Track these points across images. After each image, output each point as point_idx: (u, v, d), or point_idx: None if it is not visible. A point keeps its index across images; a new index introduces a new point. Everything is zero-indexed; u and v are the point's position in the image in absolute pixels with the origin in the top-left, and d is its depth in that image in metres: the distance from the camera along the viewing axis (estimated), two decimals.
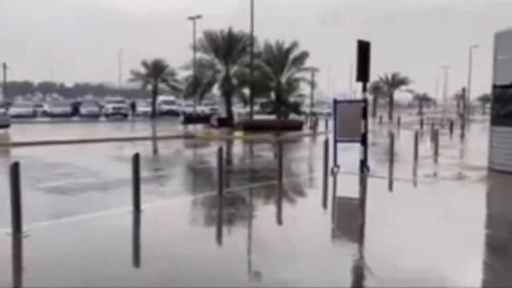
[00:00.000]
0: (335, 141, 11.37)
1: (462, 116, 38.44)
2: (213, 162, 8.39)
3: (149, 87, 46.69)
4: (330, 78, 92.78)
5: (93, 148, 18.19)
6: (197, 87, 31.64)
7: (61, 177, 11.00)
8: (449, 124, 30.70)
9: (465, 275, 4.78)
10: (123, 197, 7.88)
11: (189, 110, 40.75)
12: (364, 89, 11.26)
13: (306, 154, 18.13)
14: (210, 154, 14.72)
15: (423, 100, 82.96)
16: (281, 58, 30.30)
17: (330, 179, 10.23)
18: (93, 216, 6.90)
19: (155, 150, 19.34)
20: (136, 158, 7.06)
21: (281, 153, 9.62)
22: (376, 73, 56.15)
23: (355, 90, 59.28)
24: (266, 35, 30.81)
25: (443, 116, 52.99)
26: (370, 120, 38.61)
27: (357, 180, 10.37)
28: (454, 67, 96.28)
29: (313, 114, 33.33)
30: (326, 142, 10.77)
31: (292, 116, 30.93)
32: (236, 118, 31.65)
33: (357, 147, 11.18)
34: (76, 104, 47.90)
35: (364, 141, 11.02)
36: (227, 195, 8.35)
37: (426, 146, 17.98)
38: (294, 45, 30.22)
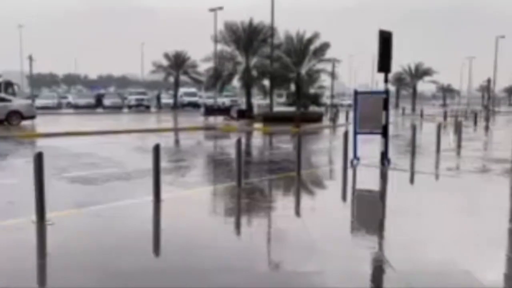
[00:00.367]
0: (355, 133, 11.26)
1: (487, 107, 37.56)
2: (233, 153, 8.44)
3: (171, 79, 47.04)
4: (351, 69, 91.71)
5: (116, 139, 18.48)
6: (217, 79, 31.73)
7: (84, 167, 11.23)
8: (473, 116, 30.04)
9: (488, 270, 4.69)
10: (144, 187, 8.00)
11: (210, 102, 40.94)
12: (386, 80, 11.09)
13: (326, 146, 18.02)
14: (229, 145, 14.79)
15: (447, 92, 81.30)
16: (302, 49, 30.03)
17: (350, 172, 10.15)
18: (115, 205, 7.04)
19: (176, 141, 19.54)
20: (156, 149, 7.15)
21: (300, 145, 9.59)
22: (399, 63, 55.24)
23: (377, 81, 58.40)
24: (286, 26, 30.63)
25: (467, 107, 51.83)
26: (392, 111, 38.14)
27: (377, 173, 10.27)
28: (479, 57, 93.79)
29: (333, 105, 33.04)
30: (346, 134, 10.68)
31: (312, 108, 30.72)
32: (256, 110, 31.64)
33: (378, 139, 11.06)
34: (99, 95, 48.64)
35: (385, 133, 10.88)
36: (246, 186, 8.40)
37: (449, 139, 17.65)
38: (315, 36, 29.91)
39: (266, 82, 30.68)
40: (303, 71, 30.37)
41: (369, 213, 7.32)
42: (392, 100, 53.65)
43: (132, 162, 12.22)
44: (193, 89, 52.69)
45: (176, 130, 23.96)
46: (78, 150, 14.41)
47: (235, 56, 31.24)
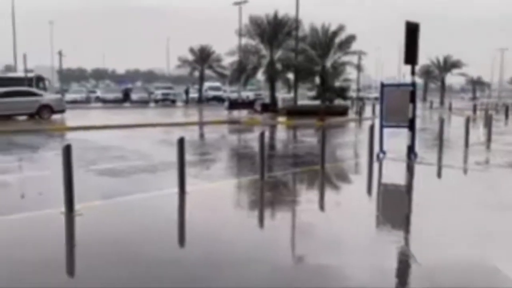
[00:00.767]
0: (382, 126, 11.11)
1: None
2: (256, 146, 8.46)
3: (196, 73, 47.34)
4: (378, 62, 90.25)
5: (143, 132, 18.78)
6: (242, 72, 31.75)
7: (112, 159, 11.46)
8: (504, 109, 29.14)
9: None
10: (169, 179, 8.09)
11: (234, 95, 41.03)
12: (413, 72, 10.87)
13: (351, 140, 17.84)
14: (253, 139, 14.81)
15: (477, 84, 78.99)
16: (327, 42, 29.73)
17: (375, 166, 10.03)
18: (141, 197, 7.17)
19: (200, 135, 19.71)
20: (181, 142, 7.23)
21: (324, 138, 9.52)
22: (427, 56, 53.98)
23: (404, 74, 57.32)
24: (311, 19, 30.37)
25: (498, 101, 50.29)
26: (419, 105, 37.33)
27: (403, 167, 10.11)
28: (511, 49, 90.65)
29: (359, 98, 32.66)
30: (372, 127, 10.54)
31: (338, 101, 30.43)
32: (280, 103, 31.56)
33: (404, 132, 10.87)
34: (127, 90, 49.36)
35: (412, 127, 10.69)
36: (269, 180, 8.41)
37: (478, 133, 17.19)
38: (341, 28, 29.57)
39: (291, 76, 30.55)
40: (328, 64, 30.09)
41: (395, 207, 7.22)
42: (419, 93, 52.59)
43: (157, 155, 12.39)
44: (217, 83, 52.90)
45: (200, 123, 24.15)
46: (106, 143, 14.71)
47: (260, 50, 31.19)
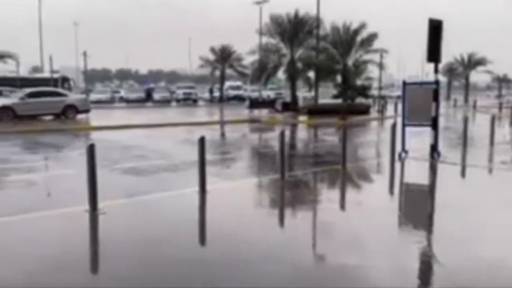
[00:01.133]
0: (404, 125, 10.96)
1: None
2: (277, 146, 8.46)
3: (217, 72, 47.61)
4: (400, 60, 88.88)
5: (165, 132, 19.00)
6: (262, 71, 31.76)
7: (134, 158, 11.64)
8: None
9: None
10: (190, 178, 8.17)
11: (255, 95, 41.09)
12: (436, 70, 10.70)
13: (373, 139, 17.66)
14: (273, 138, 14.80)
15: (503, 82, 76.93)
16: (348, 40, 29.45)
17: (398, 165, 9.91)
18: (163, 196, 7.27)
19: (221, 134, 19.82)
20: (201, 141, 7.30)
21: (346, 138, 9.46)
22: (450, 53, 52.88)
23: (427, 72, 56.31)
24: (332, 17, 30.15)
25: None
26: (443, 103, 36.60)
27: (426, 166, 9.96)
28: None
29: (381, 97, 32.25)
30: (394, 126, 10.42)
31: (359, 100, 30.14)
32: (301, 102, 31.44)
33: (427, 131, 10.70)
34: (149, 90, 50.03)
35: (435, 125, 10.52)
36: (290, 179, 8.40)
37: (504, 131, 16.78)
38: (362, 26, 29.24)
39: (311, 74, 30.39)
40: (350, 62, 29.82)
41: (417, 207, 7.13)
42: (443, 92, 51.56)
43: (179, 154, 12.52)
44: (238, 83, 53.09)
45: (221, 123, 24.27)
46: (129, 143, 14.94)
47: (280, 49, 31.14)
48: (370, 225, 5.82)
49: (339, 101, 28.62)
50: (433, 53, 10.19)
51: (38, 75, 41.32)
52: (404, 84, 11.21)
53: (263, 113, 28.93)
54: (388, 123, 18.29)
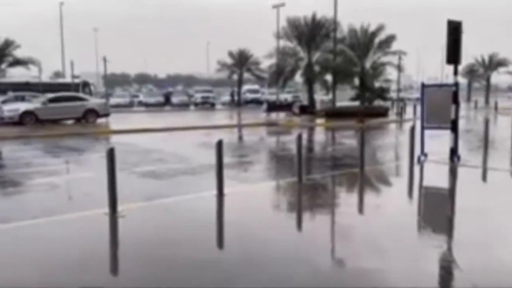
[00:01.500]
0: (423, 128, 10.84)
1: None
2: (294, 149, 8.46)
3: (235, 76, 47.83)
4: (419, 62, 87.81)
5: (183, 135, 19.17)
6: (280, 75, 31.80)
7: (153, 162, 11.78)
8: None
9: None
10: (208, 181, 8.24)
11: (272, 98, 41.14)
12: (455, 72, 10.55)
13: (391, 142, 17.49)
14: (291, 141, 14.81)
15: None
16: (366, 42, 29.25)
17: (417, 168, 9.80)
18: (181, 199, 7.34)
19: (239, 137, 19.89)
20: (219, 145, 7.35)
21: (363, 140, 9.40)
22: (471, 54, 52.02)
23: (447, 74, 55.46)
24: (350, 20, 30.01)
25: None
26: (463, 105, 36.03)
27: (446, 170, 9.82)
28: None
29: (400, 99, 31.90)
30: (412, 129, 10.32)
31: (378, 102, 29.87)
32: (318, 105, 31.34)
33: (447, 134, 10.56)
34: (168, 94, 50.60)
35: (454, 128, 10.37)
36: (307, 182, 8.39)
37: None
38: (380, 28, 29.02)
39: (329, 77, 30.29)
40: (368, 64, 29.62)
41: (437, 211, 7.03)
42: (463, 93, 50.73)
43: (196, 157, 12.62)
44: (255, 86, 53.27)
45: (239, 126, 24.36)
46: (147, 146, 15.13)
47: (297, 52, 31.15)
48: (388, 229, 5.78)
49: (357, 103, 28.44)
50: (453, 55, 10.06)
51: (59, 80, 42.17)
52: (423, 86, 11.10)
53: (280, 116, 28.92)
54: (407, 125, 18.10)
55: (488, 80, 56.48)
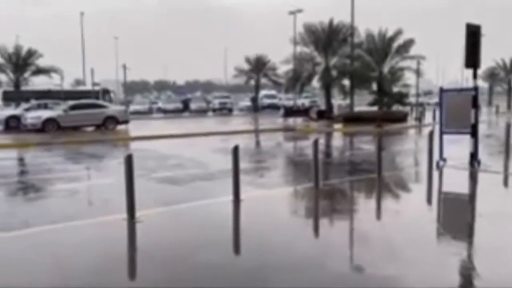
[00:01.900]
0: (441, 133, 10.70)
1: None
2: (311, 154, 8.44)
3: (252, 82, 48.04)
4: (439, 66, 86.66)
5: (200, 141, 19.31)
6: (297, 80, 31.81)
7: (171, 167, 11.91)
8: None
9: None
10: (225, 187, 8.29)
11: (289, 103, 41.18)
12: (475, 76, 10.41)
13: (410, 147, 17.28)
14: (308, 146, 14.77)
15: None
16: (384, 47, 29.02)
17: (435, 174, 9.67)
18: (198, 204, 7.40)
19: (256, 143, 19.93)
20: (235, 150, 7.40)
21: (381, 146, 9.33)
22: (491, 58, 51.10)
23: (467, 78, 54.58)
24: (367, 24, 29.87)
25: None
26: (484, 109, 35.36)
27: (466, 175, 9.67)
28: None
29: (419, 104, 31.53)
30: (431, 134, 10.19)
31: (396, 107, 29.58)
32: (336, 110, 31.20)
33: (466, 139, 10.40)
34: (186, 100, 51.13)
35: (474, 133, 10.21)
36: (324, 188, 8.36)
37: None
38: (398, 32, 28.77)
39: (346, 82, 30.16)
40: (386, 69, 29.37)
41: (456, 217, 6.92)
42: (484, 97, 49.82)
43: (214, 162, 12.71)
44: (273, 92, 53.44)
45: (256, 131, 24.43)
46: (166, 152, 15.29)
47: (314, 57, 31.14)
48: (406, 235, 5.71)
49: (375, 108, 28.22)
50: (471, 59, 9.94)
51: (80, 88, 43.06)
52: (441, 90, 10.97)
53: (297, 122, 28.89)
54: (426, 131, 17.88)
55: (509, 83, 55.34)
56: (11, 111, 27.46)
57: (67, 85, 40.92)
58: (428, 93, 56.40)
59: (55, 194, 9.18)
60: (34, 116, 23.29)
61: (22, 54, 32.33)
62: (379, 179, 9.01)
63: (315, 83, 33.20)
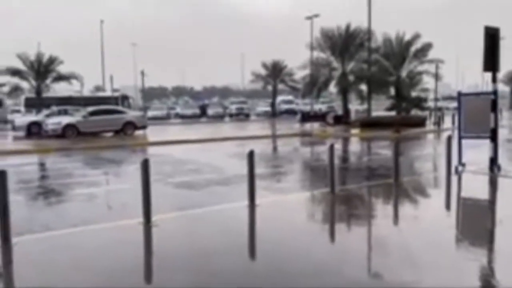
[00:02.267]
0: (460, 138, 10.54)
1: None
2: (327, 159, 8.41)
3: (269, 87, 48.16)
4: (458, 70, 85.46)
5: (217, 146, 19.41)
6: (313, 85, 31.74)
7: (187, 172, 11.99)
8: None
9: None
10: (241, 191, 8.30)
11: (306, 108, 41.12)
12: (494, 79, 10.23)
13: (428, 152, 17.05)
14: (325, 151, 14.70)
15: None
16: (401, 51, 28.76)
17: (454, 179, 9.52)
18: (214, 209, 7.43)
19: (273, 148, 19.93)
20: (251, 155, 7.41)
21: (398, 151, 9.24)
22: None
23: (488, 82, 53.67)
24: (384, 29, 29.67)
25: None
26: (505, 114, 34.64)
27: (485, 180, 9.49)
28: None
29: (438, 109, 31.10)
30: (449, 139, 10.05)
31: (415, 112, 29.23)
32: (353, 115, 30.99)
33: (485, 144, 10.22)
34: (203, 106, 51.56)
35: (494, 137, 10.03)
36: (340, 193, 8.31)
37: None
38: (416, 36, 28.49)
39: (364, 87, 29.96)
40: (403, 73, 29.10)
41: (475, 223, 6.80)
42: (505, 101, 48.89)
43: (230, 167, 12.75)
44: (289, 97, 53.50)
45: (273, 137, 24.43)
46: (182, 157, 15.41)
47: (331, 62, 31.06)
48: (424, 241, 5.63)
49: (392, 113, 27.94)
50: (490, 62, 9.78)
51: (100, 94, 43.78)
52: (459, 95, 10.82)
53: (314, 127, 28.80)
54: (445, 135, 17.63)
55: None
56: (32, 117, 28.05)
57: (86, 91, 41.64)
58: (448, 97, 55.59)
59: (74, 198, 9.33)
60: (55, 122, 23.74)
61: (44, 61, 33.06)
62: (396, 184, 8.91)
63: (332, 88, 33.09)
